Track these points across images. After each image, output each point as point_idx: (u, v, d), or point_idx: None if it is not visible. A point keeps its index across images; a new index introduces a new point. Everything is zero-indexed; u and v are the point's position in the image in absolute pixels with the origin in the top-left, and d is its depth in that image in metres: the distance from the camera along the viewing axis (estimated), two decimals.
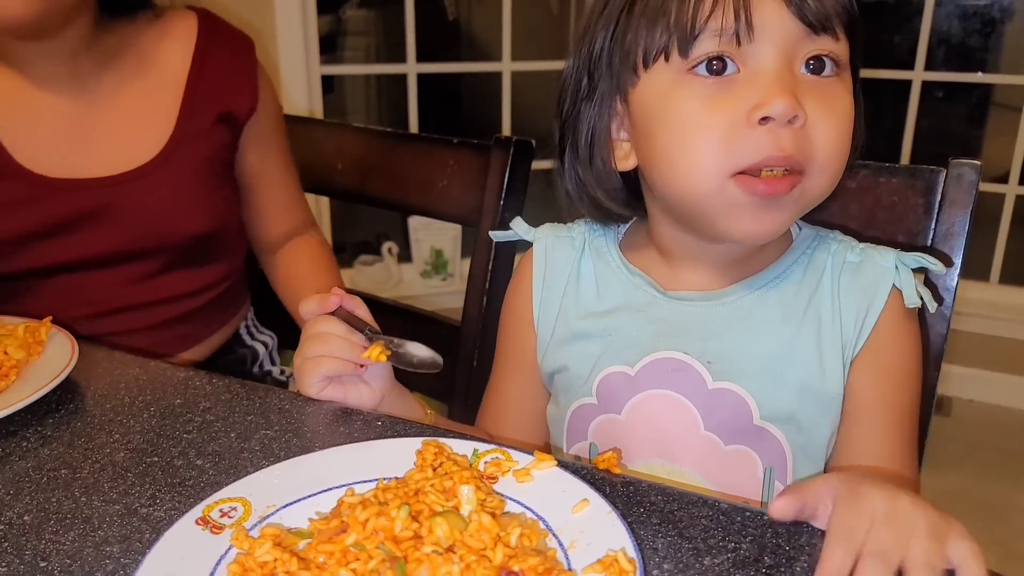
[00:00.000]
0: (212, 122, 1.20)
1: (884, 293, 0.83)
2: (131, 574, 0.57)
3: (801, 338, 0.83)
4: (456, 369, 1.30)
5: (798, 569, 0.60)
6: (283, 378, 1.39)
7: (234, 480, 0.68)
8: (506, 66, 3.14)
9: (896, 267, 0.83)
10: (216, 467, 0.71)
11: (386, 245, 3.24)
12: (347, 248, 3.39)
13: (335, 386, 0.82)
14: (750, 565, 0.60)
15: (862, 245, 0.86)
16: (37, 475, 0.70)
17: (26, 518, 0.65)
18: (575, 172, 0.90)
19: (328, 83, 3.03)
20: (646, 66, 0.79)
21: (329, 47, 3.11)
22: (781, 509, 0.63)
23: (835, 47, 0.76)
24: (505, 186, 1.25)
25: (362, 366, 0.83)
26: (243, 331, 1.37)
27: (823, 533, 0.62)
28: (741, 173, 0.75)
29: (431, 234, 3.23)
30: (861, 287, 0.84)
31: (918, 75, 2.94)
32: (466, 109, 4.13)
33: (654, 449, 0.85)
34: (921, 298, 0.82)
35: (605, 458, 0.73)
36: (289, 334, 1.47)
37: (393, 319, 1.41)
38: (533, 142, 1.27)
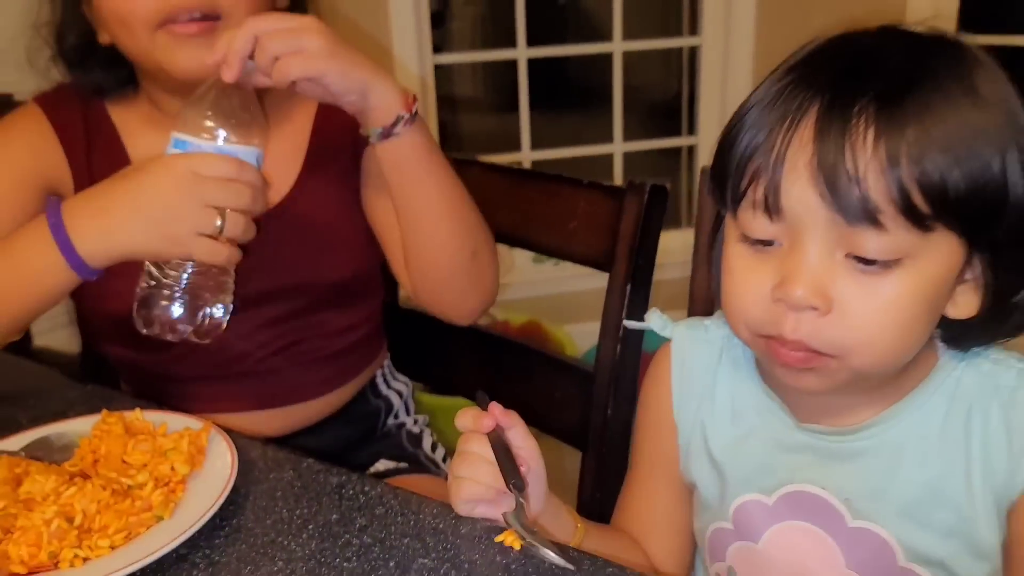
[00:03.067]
0: (340, 154, 1.22)
1: None
2: None
3: (949, 479, 0.78)
4: (591, 416, 1.30)
5: None
6: (416, 430, 1.40)
7: None
8: (617, 46, 3.11)
9: None
10: None
11: None
12: None
13: (485, 505, 0.81)
14: None
15: (1022, 365, 0.79)
16: None
17: None
18: None
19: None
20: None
21: (436, 22, 3.10)
22: None
23: (881, 243, 0.69)
24: (639, 233, 1.23)
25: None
26: (379, 379, 1.38)
27: None
28: (765, 336, 0.76)
29: None
30: (1015, 420, 0.77)
31: None
32: (573, 87, 4.09)
33: None
34: None
35: None
36: (425, 377, 1.48)
37: (525, 360, 1.41)
38: (668, 186, 1.24)
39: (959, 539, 0.79)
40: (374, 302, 1.32)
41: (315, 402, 1.26)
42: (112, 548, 0.77)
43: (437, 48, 3.04)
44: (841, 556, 0.82)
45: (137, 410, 0.93)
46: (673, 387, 0.93)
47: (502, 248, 3.38)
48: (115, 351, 1.24)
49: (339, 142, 1.22)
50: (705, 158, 2.77)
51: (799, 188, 0.69)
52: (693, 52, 3.22)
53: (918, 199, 0.67)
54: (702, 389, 0.92)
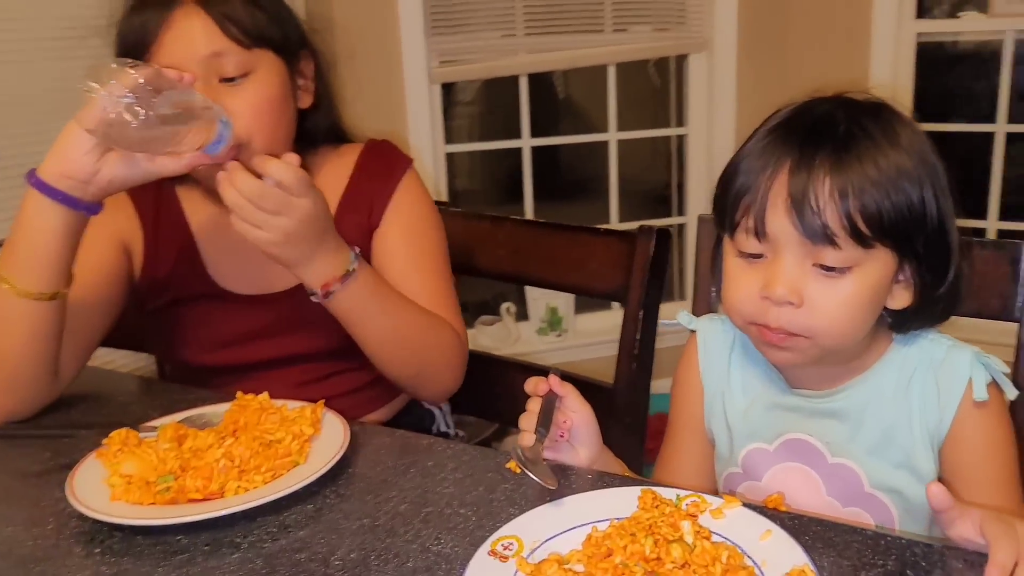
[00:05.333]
0: (360, 235, 1.38)
1: (961, 387, 1.01)
2: None
3: (897, 427, 1.04)
4: (609, 426, 1.52)
5: None
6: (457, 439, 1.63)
7: (492, 522, 0.91)
8: (612, 135, 3.45)
9: (972, 363, 1.01)
10: (476, 513, 0.95)
11: (504, 305, 3.49)
12: (468, 309, 3.65)
13: (548, 451, 1.05)
14: (898, 575, 0.81)
15: (951, 343, 1.05)
16: (347, 523, 0.95)
17: (353, 555, 0.89)
18: None
19: None
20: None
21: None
22: (938, 494, 0.83)
23: (836, 256, 0.94)
24: (649, 268, 1.47)
25: (561, 435, 1.06)
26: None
27: (953, 553, 0.83)
28: (754, 323, 1.01)
29: (546, 293, 3.47)
30: (942, 381, 1.02)
31: (1001, 127, 3.17)
32: (566, 179, 4.40)
33: None
34: (999, 386, 1.01)
35: (773, 499, 0.98)
36: (462, 405, 1.70)
37: None
38: (671, 230, 1.49)
39: (907, 470, 1.04)
40: None
41: (370, 415, 1.48)
42: (264, 483, 1.00)
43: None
44: (823, 486, 1.07)
45: (265, 393, 1.16)
46: (700, 362, 1.19)
47: (508, 322, 3.61)
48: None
49: (360, 232, 1.39)
50: (693, 237, 3.07)
51: (778, 218, 0.95)
52: (681, 141, 3.57)
53: (861, 225, 0.93)
54: (720, 366, 1.17)
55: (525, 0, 3.19)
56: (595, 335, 3.45)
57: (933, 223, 0.97)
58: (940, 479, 1.03)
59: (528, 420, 1.05)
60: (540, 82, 3.38)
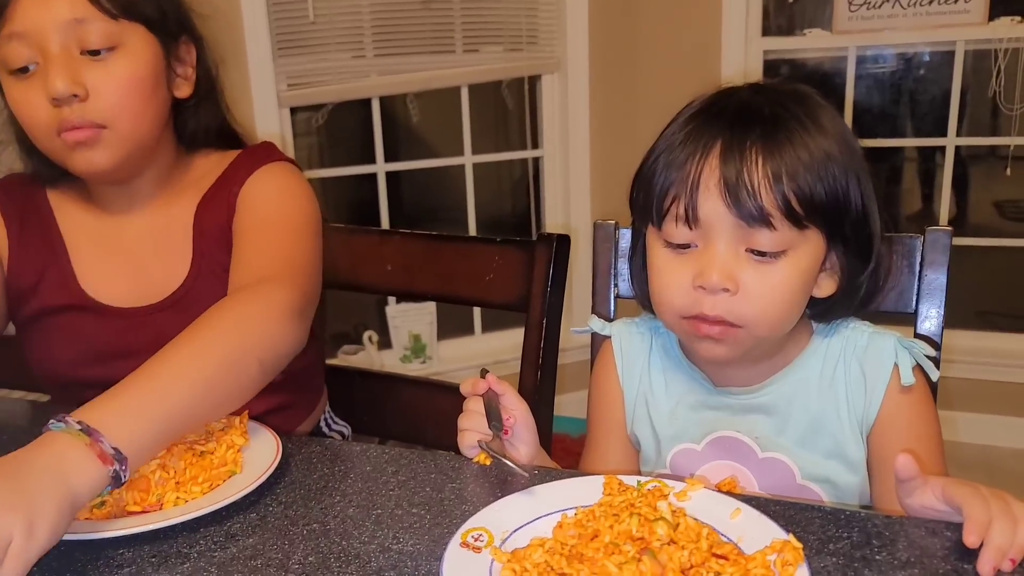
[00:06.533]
0: (222, 239, 1.30)
1: (887, 373, 1.03)
2: None
3: (825, 415, 1.06)
4: None
5: (900, 547, 0.82)
6: None
7: (447, 520, 0.90)
8: (468, 159, 3.46)
9: (896, 349, 1.03)
10: (429, 512, 0.93)
11: (367, 334, 3.44)
12: (328, 339, 3.57)
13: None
14: (865, 546, 0.83)
15: (871, 330, 1.07)
16: (296, 529, 0.91)
17: (311, 559, 0.86)
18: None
19: None
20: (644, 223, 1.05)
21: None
22: (907, 464, 0.84)
23: (771, 238, 0.94)
24: (551, 275, 1.48)
25: (505, 432, 1.05)
26: (323, 423, 1.56)
27: (913, 522, 0.85)
28: (689, 317, 1.00)
29: (409, 320, 3.44)
30: (868, 368, 1.05)
31: None
32: (417, 199, 4.38)
33: None
34: (924, 371, 1.04)
35: (726, 483, 1.00)
36: (362, 424, 1.66)
37: (456, 399, 1.62)
38: (570, 236, 1.51)
39: (837, 459, 1.06)
40: (301, 359, 1.34)
41: None
42: (203, 493, 0.96)
43: None
44: (755, 482, 1.08)
45: None
46: (618, 366, 1.19)
47: (371, 351, 3.53)
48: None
49: (220, 229, 1.30)
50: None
51: (711, 202, 0.95)
52: (537, 163, 3.61)
53: (795, 205, 0.94)
54: (640, 369, 1.17)
55: (374, 20, 3.16)
56: (459, 361, 3.46)
57: (858, 207, 0.99)
58: (868, 464, 1.06)
59: (471, 419, 1.04)
60: (386, 108, 3.36)
